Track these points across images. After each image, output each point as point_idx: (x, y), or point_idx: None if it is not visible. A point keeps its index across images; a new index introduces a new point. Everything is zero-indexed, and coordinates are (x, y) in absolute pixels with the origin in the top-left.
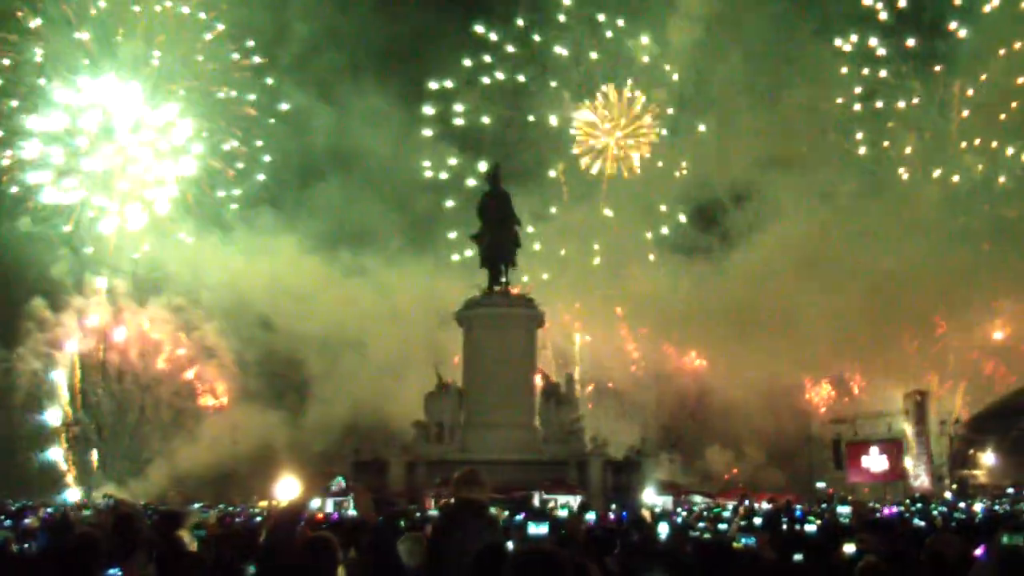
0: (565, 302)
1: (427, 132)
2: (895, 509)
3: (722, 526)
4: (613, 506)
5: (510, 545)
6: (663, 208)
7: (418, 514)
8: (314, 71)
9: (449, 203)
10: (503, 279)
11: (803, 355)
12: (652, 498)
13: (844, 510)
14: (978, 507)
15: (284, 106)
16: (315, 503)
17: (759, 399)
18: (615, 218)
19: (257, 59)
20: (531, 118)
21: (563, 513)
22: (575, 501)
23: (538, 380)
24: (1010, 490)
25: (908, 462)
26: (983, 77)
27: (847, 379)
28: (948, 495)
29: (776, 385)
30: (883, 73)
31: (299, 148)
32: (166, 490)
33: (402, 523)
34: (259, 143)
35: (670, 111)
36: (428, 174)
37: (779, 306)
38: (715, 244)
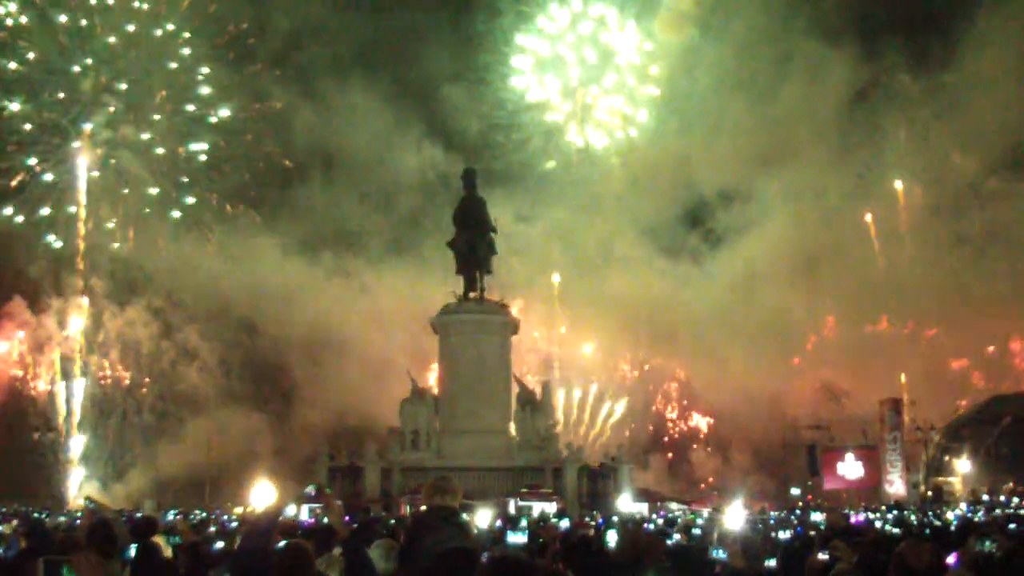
0: (549, 304)
1: None
2: (860, 517)
3: (695, 531)
4: (595, 512)
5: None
6: (650, 209)
7: (392, 521)
8: (296, 67)
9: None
10: (479, 286)
11: (789, 359)
12: (628, 505)
13: (818, 517)
14: (952, 515)
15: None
16: (290, 510)
17: (744, 404)
18: (602, 219)
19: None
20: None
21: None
22: (551, 508)
23: (514, 386)
24: (985, 497)
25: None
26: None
27: (834, 386)
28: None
29: (762, 390)
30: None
31: (280, 147)
32: (140, 498)
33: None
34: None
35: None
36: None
37: (766, 309)
38: (702, 245)
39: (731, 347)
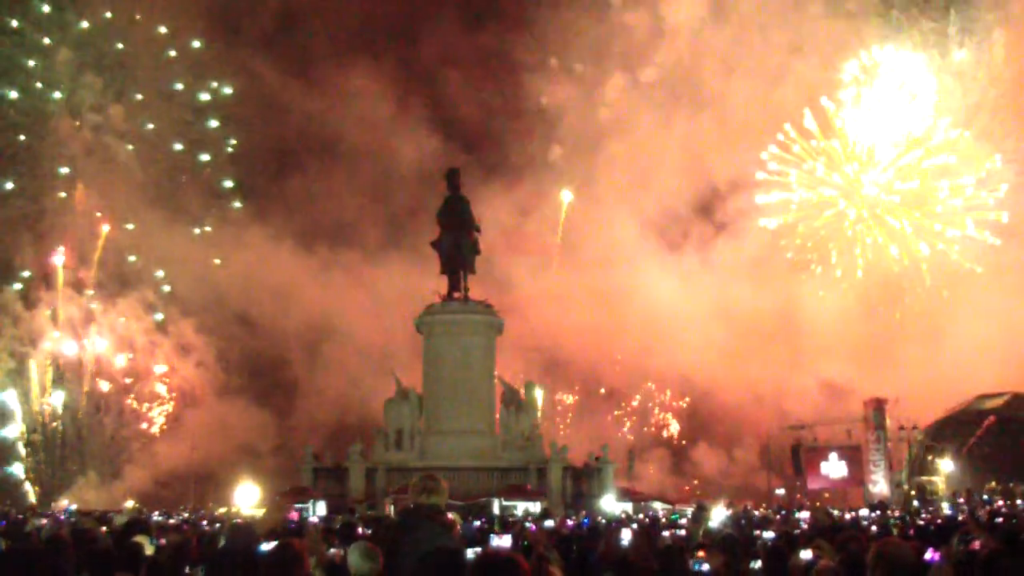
0: (548, 300)
1: None
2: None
3: (680, 532)
4: (583, 512)
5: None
6: (654, 198)
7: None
8: (289, 49)
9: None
10: (463, 285)
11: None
12: (612, 505)
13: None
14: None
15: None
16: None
17: (749, 401)
18: (606, 210)
19: None
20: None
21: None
22: (535, 507)
23: (498, 386)
24: (961, 500)
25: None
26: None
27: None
28: (949, 505)
29: (766, 387)
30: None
31: (272, 134)
32: (133, 497)
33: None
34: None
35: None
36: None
37: (774, 304)
38: (708, 236)
39: (737, 342)
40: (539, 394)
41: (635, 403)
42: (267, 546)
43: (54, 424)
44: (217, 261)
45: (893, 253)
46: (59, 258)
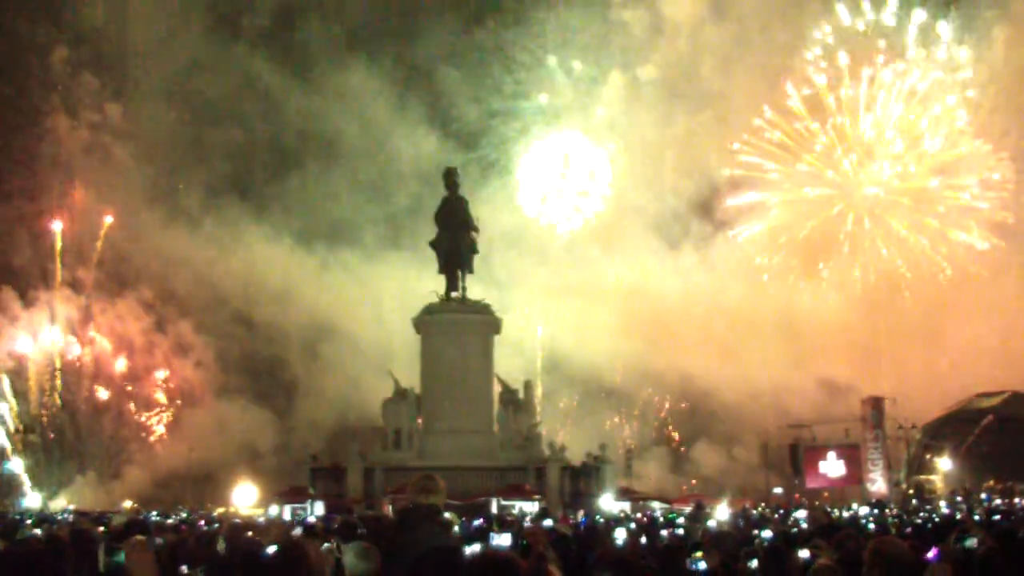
0: (550, 299)
1: None
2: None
3: (678, 531)
4: (581, 512)
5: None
6: (655, 196)
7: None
8: (287, 46)
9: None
10: (461, 285)
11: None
12: (610, 504)
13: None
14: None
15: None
16: (273, 510)
17: (748, 400)
18: (606, 208)
19: None
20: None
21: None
22: (533, 507)
23: (496, 385)
24: (959, 499)
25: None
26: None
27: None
28: (947, 503)
29: (766, 386)
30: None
31: (270, 132)
32: (133, 497)
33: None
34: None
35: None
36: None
37: (774, 303)
38: (708, 234)
39: (738, 339)
40: (537, 393)
41: (636, 412)
42: (269, 547)
43: (52, 436)
44: (225, 271)
45: (897, 262)
46: (57, 258)
